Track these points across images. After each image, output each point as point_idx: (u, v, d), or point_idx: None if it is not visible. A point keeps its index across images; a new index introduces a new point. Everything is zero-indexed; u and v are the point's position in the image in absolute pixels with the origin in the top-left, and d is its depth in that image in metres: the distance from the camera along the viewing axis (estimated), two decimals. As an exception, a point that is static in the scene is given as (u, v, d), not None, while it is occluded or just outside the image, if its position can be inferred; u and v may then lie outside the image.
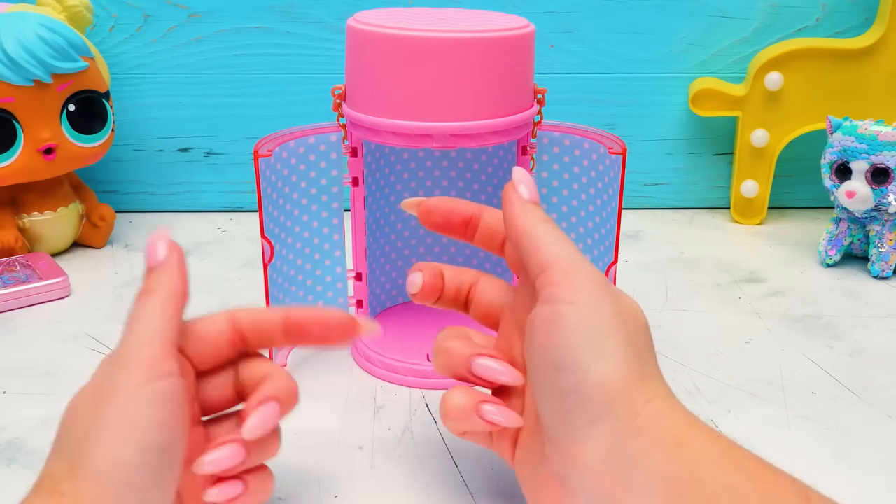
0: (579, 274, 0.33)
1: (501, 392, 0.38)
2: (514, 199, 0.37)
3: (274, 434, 0.36)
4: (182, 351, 0.35)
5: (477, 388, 0.37)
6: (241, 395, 0.37)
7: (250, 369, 0.37)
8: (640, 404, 0.31)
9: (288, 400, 0.36)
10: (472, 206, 0.40)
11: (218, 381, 0.37)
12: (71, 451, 0.31)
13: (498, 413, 0.36)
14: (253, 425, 0.34)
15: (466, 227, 0.40)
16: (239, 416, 0.37)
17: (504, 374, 0.36)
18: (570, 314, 0.32)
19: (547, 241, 0.34)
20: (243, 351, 0.37)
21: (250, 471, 0.36)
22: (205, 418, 0.37)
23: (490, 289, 0.40)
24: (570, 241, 0.35)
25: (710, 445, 0.30)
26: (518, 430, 0.37)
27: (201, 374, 0.36)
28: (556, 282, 0.33)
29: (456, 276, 0.41)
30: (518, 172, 0.38)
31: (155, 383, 0.31)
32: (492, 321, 0.40)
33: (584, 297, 0.32)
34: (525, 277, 0.37)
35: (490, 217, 0.40)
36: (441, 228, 0.41)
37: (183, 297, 0.35)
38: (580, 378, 0.31)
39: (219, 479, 0.35)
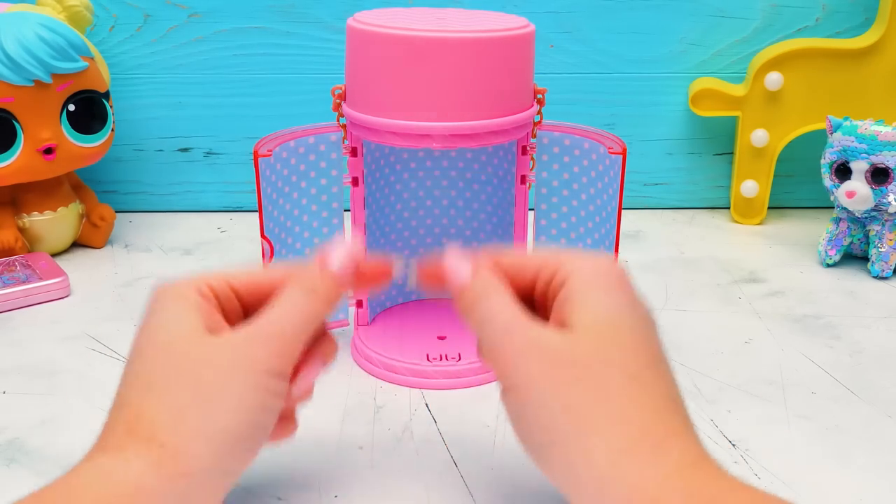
0: (510, 352, 0.32)
1: None
2: (455, 294, 0.36)
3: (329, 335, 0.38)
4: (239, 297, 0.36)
5: None
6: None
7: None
8: None
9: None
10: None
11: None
12: (177, 404, 0.31)
13: None
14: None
15: None
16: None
17: None
18: (510, 403, 0.33)
19: (483, 325, 0.34)
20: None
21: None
22: None
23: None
24: (504, 305, 0.34)
25: None
26: None
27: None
28: (496, 367, 0.33)
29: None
30: (449, 258, 0.36)
31: (272, 379, 0.33)
32: None
33: (520, 381, 0.32)
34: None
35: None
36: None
37: (332, 305, 0.36)
38: (543, 466, 0.33)
39: None
